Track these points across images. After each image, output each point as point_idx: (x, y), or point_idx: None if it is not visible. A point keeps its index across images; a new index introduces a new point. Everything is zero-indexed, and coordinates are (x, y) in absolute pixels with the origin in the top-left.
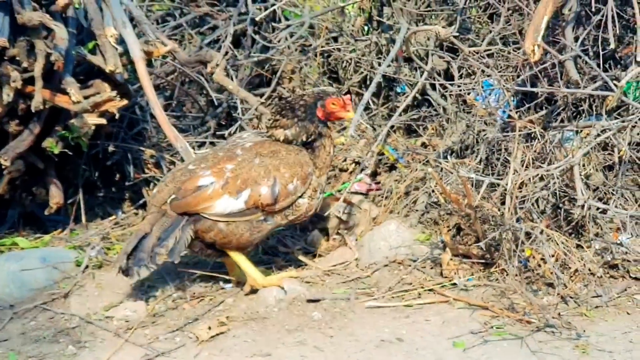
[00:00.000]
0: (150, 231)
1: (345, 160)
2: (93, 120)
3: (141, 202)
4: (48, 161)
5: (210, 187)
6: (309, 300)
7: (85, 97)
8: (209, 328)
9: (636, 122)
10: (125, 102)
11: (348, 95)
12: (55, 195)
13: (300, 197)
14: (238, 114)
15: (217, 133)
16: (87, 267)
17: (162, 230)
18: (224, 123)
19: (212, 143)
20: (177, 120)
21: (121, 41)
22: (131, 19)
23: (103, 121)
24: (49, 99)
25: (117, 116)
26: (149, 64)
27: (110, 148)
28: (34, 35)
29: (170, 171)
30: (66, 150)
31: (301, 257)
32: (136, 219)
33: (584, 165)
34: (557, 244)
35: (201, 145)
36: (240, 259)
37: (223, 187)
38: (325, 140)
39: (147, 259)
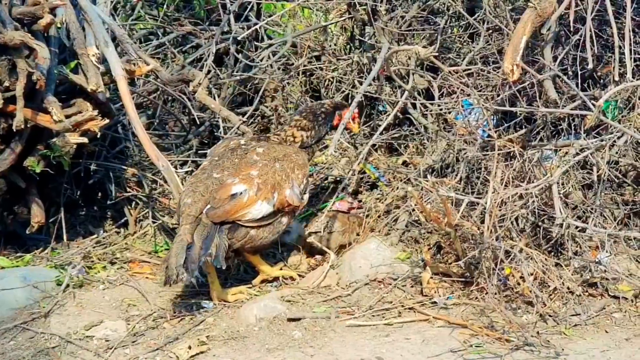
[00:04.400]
0: (193, 241)
1: (326, 178)
2: (75, 139)
3: (123, 220)
4: (30, 180)
5: (245, 195)
6: (290, 319)
7: (67, 116)
8: (189, 347)
9: (614, 141)
10: (107, 121)
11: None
12: (37, 214)
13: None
14: (220, 132)
15: (200, 152)
16: (67, 286)
17: (202, 239)
18: (206, 142)
19: (194, 162)
20: (160, 139)
21: (103, 60)
22: (113, 38)
23: (85, 140)
24: (30, 118)
25: (99, 135)
26: (131, 83)
27: (92, 167)
28: (16, 54)
29: (190, 179)
30: (48, 169)
31: (285, 271)
32: (118, 238)
33: (563, 184)
34: (536, 263)
35: (183, 163)
36: (253, 259)
37: (257, 194)
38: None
39: (197, 269)
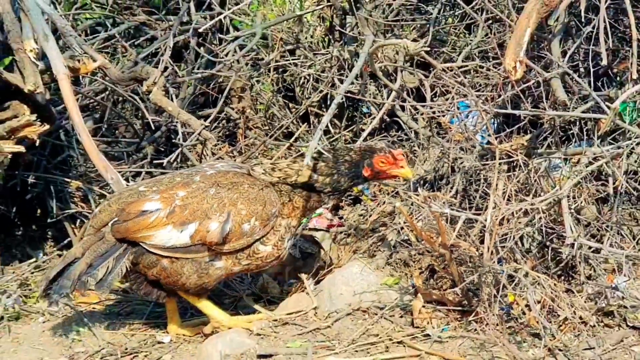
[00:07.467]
0: (82, 256)
1: None
2: (10, 148)
3: (66, 242)
4: None
5: (154, 214)
6: (260, 356)
7: (1, 122)
8: None
9: (633, 148)
10: (46, 127)
11: (399, 150)
12: None
13: (259, 240)
14: (179, 139)
15: (155, 161)
16: (1, 318)
17: (94, 256)
18: (162, 149)
19: (148, 173)
20: (108, 146)
21: (43, 56)
22: (54, 31)
23: (21, 149)
24: None
25: (37, 143)
26: (75, 82)
27: (30, 179)
28: None
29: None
30: None
31: (254, 305)
32: None
33: (574, 198)
34: (544, 289)
35: (136, 175)
36: (195, 302)
37: (168, 216)
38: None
39: (70, 287)
